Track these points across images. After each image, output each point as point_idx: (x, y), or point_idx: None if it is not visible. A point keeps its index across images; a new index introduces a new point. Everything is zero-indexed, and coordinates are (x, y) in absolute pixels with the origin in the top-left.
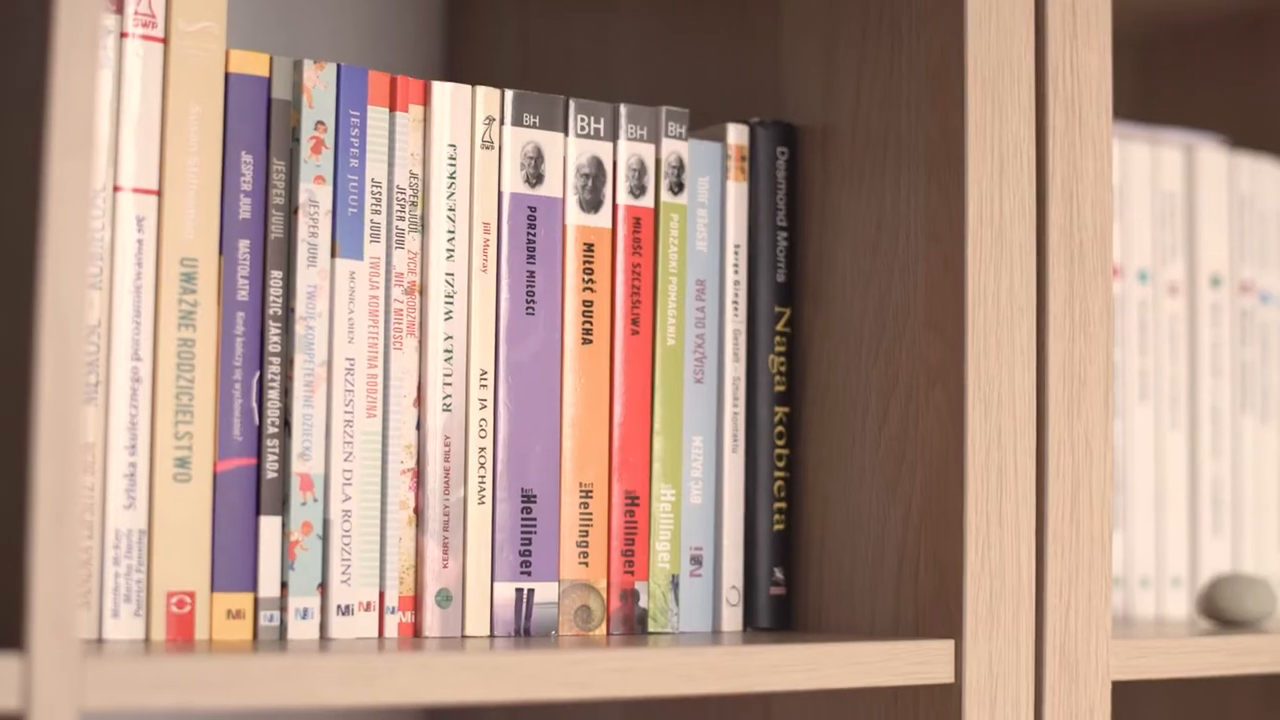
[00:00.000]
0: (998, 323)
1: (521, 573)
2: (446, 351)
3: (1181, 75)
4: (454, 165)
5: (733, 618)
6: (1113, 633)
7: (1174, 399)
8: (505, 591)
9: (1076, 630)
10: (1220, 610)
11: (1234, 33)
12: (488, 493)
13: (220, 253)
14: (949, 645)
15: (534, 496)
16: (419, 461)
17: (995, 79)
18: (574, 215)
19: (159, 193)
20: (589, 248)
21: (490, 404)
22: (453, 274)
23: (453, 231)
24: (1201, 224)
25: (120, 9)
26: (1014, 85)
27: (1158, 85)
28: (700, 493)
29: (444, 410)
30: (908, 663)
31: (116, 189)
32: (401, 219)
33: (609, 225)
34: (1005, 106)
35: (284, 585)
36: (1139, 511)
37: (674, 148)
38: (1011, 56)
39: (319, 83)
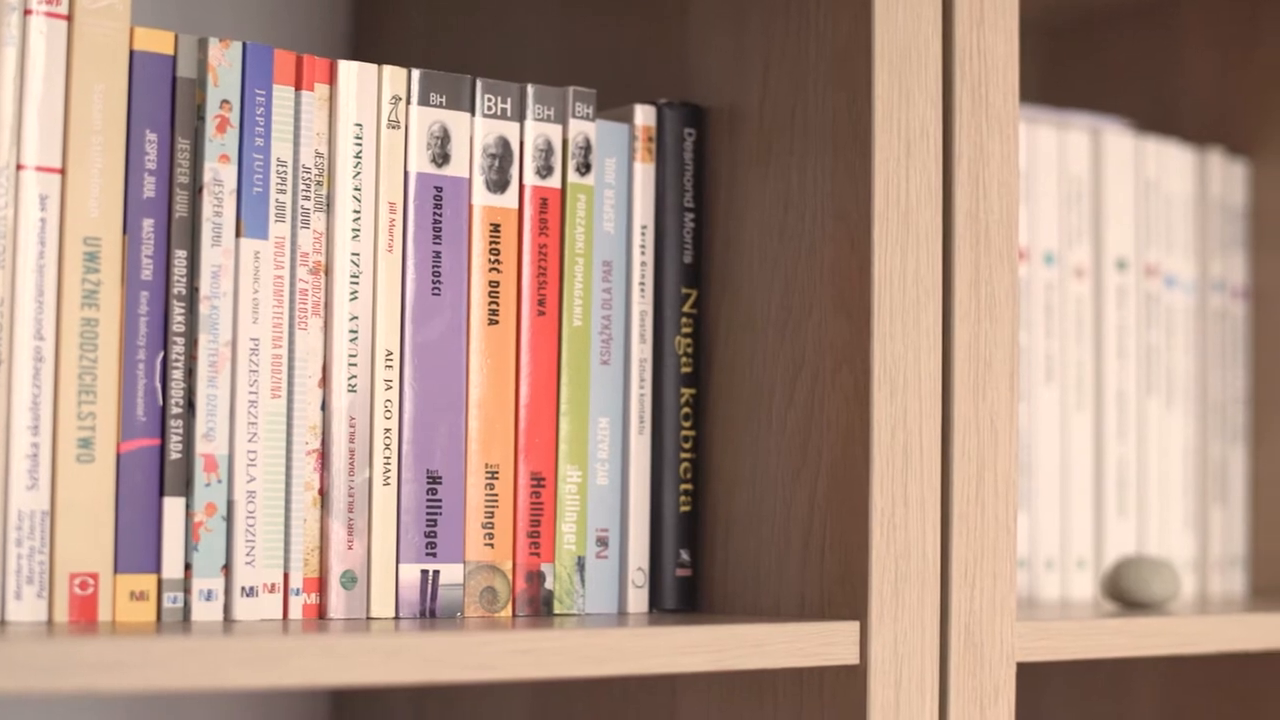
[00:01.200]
0: (904, 305)
1: (427, 554)
2: (352, 332)
3: (1089, 59)
4: (360, 145)
5: (638, 599)
6: (1018, 614)
7: (1080, 381)
8: (410, 573)
9: (981, 612)
10: (1125, 592)
11: (1141, 17)
12: (393, 474)
13: (124, 232)
14: (854, 627)
15: (439, 478)
16: (324, 442)
17: (902, 62)
18: (480, 196)
19: (62, 171)
20: (495, 228)
21: (396, 385)
22: (358, 254)
23: (358, 211)
24: (1108, 208)
25: None
26: (921, 68)
27: (1065, 69)
28: (606, 474)
29: (349, 391)
30: (813, 644)
31: (19, 167)
32: (307, 198)
33: (515, 206)
34: (912, 90)
35: (188, 567)
36: (1044, 493)
37: (581, 128)
38: (918, 40)
39: (224, 61)
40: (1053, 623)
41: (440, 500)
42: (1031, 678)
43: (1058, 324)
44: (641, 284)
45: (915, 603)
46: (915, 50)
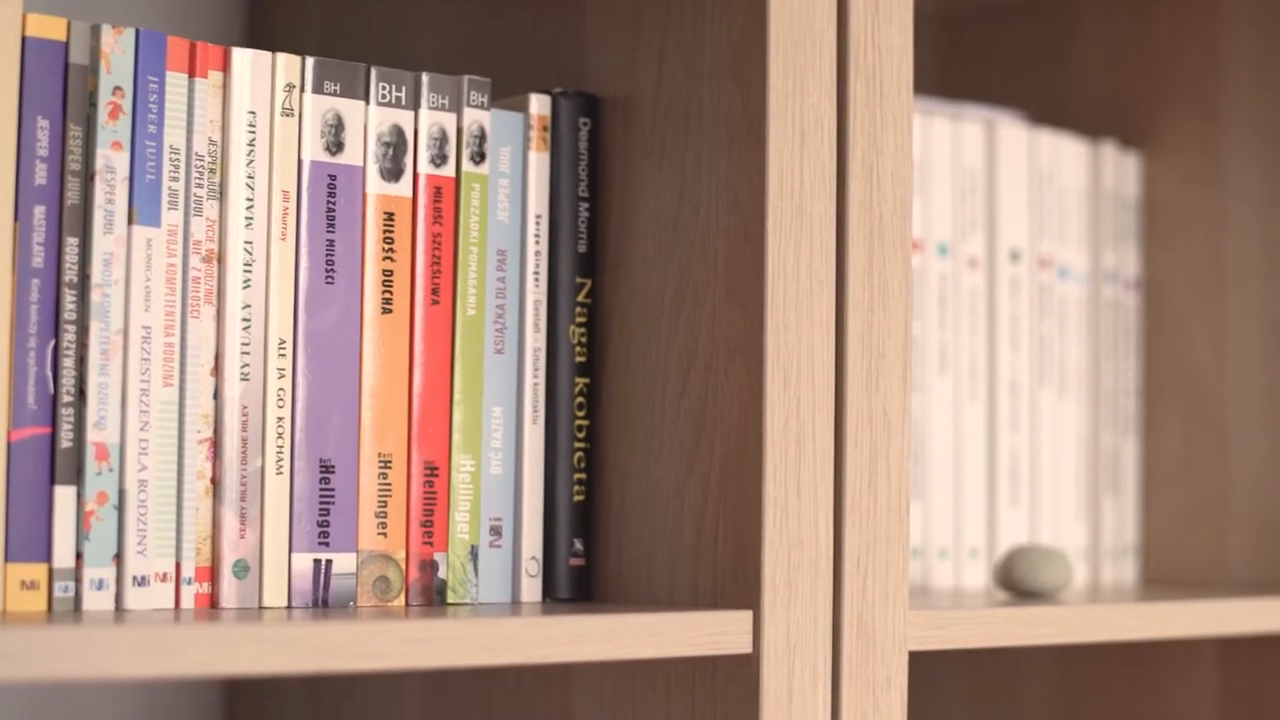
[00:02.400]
0: (797, 295)
1: (319, 543)
2: (245, 320)
3: (984, 52)
4: (254, 132)
5: (532, 589)
6: (910, 603)
7: (973, 372)
8: (303, 562)
9: (874, 601)
10: (1017, 581)
11: (1036, 10)
12: (285, 463)
13: (15, 219)
14: (747, 616)
15: (332, 467)
16: (216, 431)
17: (797, 52)
18: (374, 184)
19: None
20: (389, 217)
21: (289, 373)
22: (251, 242)
23: (252, 199)
24: (1002, 199)
25: None
26: (816, 59)
27: (960, 61)
28: (500, 463)
29: (242, 379)
30: (706, 633)
31: None
32: (200, 186)
33: (410, 194)
34: (807, 80)
35: (79, 556)
36: (938, 483)
37: (476, 117)
38: (813, 30)
39: (117, 48)
40: (945, 612)
41: (333, 489)
42: (925, 666)
43: (951, 315)
44: (536, 273)
45: (808, 592)
46: (810, 42)
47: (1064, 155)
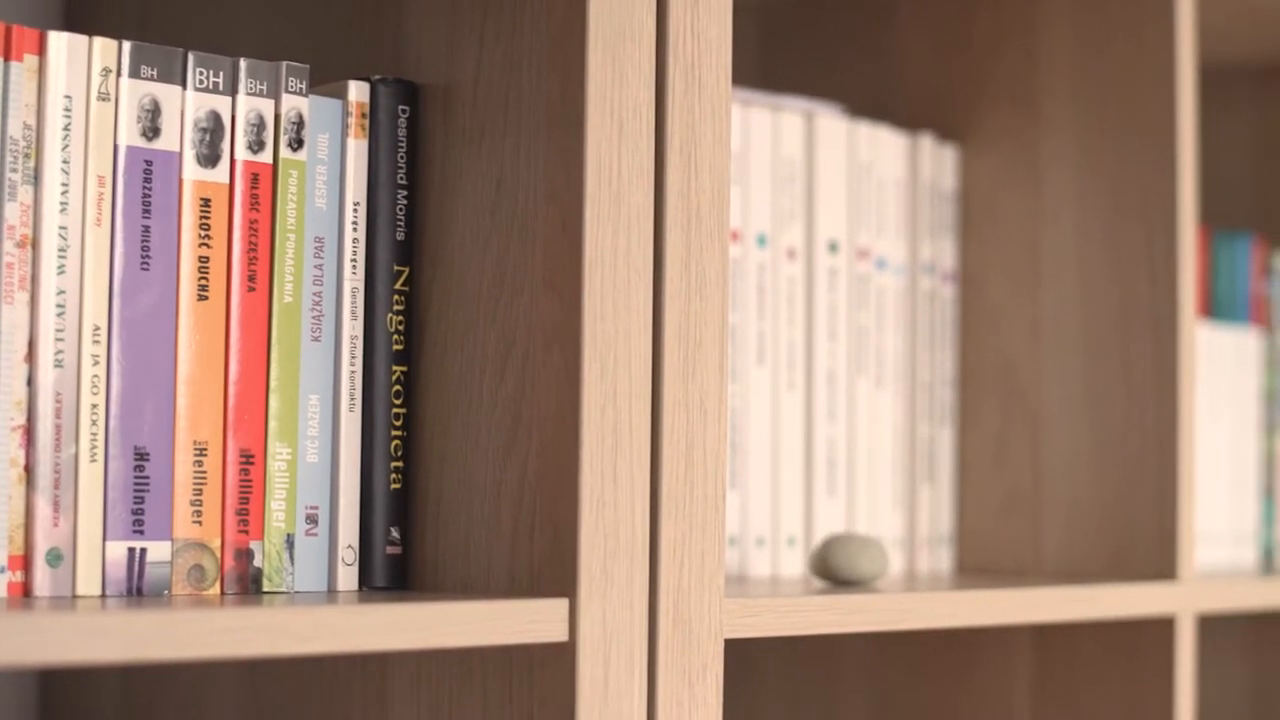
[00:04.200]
0: (614, 284)
1: (134, 531)
2: (59, 306)
3: (805, 44)
4: (69, 117)
5: (348, 577)
6: (727, 592)
7: (791, 362)
8: (117, 551)
9: (690, 589)
10: (834, 570)
11: (857, 3)
12: (100, 450)
13: None
14: (563, 604)
15: (147, 454)
16: (29, 418)
17: (616, 42)
18: (191, 170)
19: None
20: (206, 203)
21: (103, 360)
22: (66, 228)
23: (67, 184)
24: (820, 190)
25: None
26: (635, 49)
27: (780, 53)
28: (316, 451)
29: (56, 366)
30: (522, 622)
31: None
32: (14, 171)
33: (227, 181)
34: (625, 70)
35: None
36: (756, 472)
37: (294, 103)
38: (633, 20)
39: None
40: (760, 599)
41: (148, 477)
42: (742, 654)
43: (770, 305)
44: (353, 261)
45: (624, 580)
46: (629, 31)
47: (883, 147)
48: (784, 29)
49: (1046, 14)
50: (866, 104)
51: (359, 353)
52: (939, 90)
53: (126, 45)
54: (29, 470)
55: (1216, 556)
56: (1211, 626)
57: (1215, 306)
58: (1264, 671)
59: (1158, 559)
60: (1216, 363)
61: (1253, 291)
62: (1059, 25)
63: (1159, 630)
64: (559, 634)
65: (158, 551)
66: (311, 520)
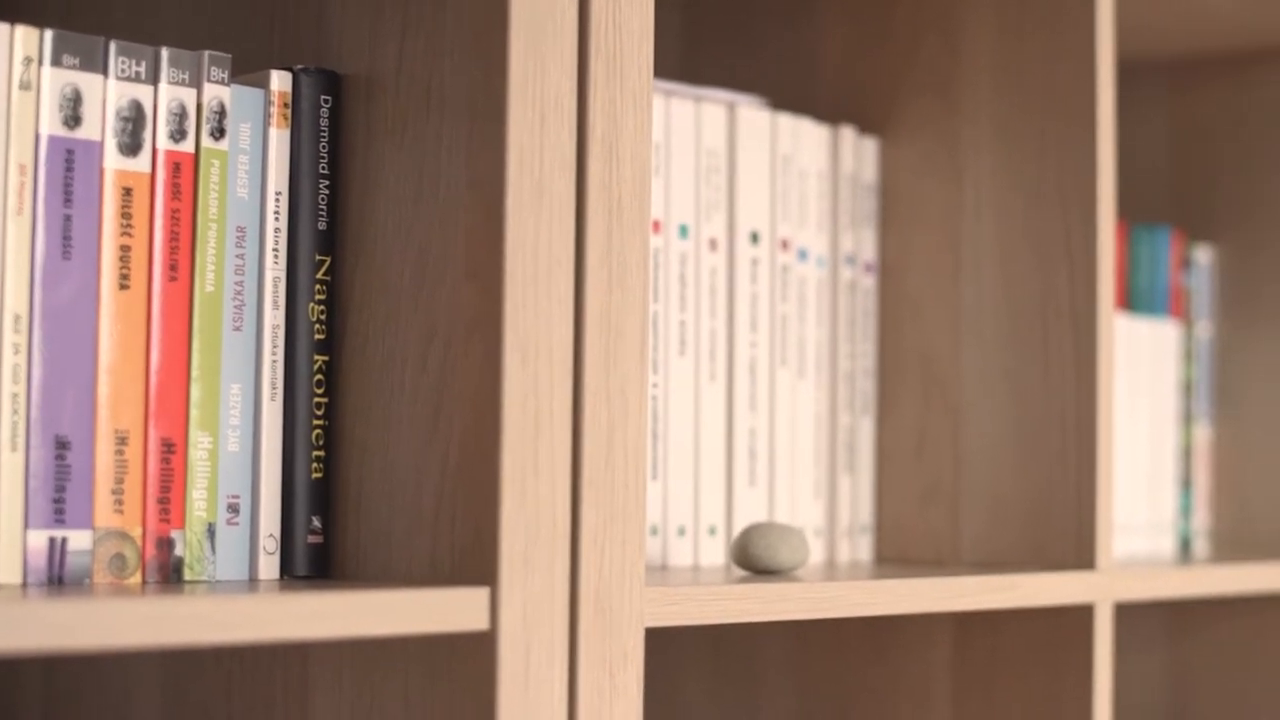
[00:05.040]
0: (536, 274)
1: (55, 520)
2: None
3: (726, 35)
4: None
5: (270, 566)
6: (648, 581)
7: (713, 352)
8: (38, 539)
9: (611, 578)
10: (754, 559)
11: None
12: (20, 439)
13: None
14: (484, 593)
15: (68, 443)
16: None
17: (538, 33)
18: (113, 159)
19: None
20: (127, 192)
21: (24, 349)
22: None
23: None
24: (742, 182)
25: None
26: (557, 40)
27: (703, 46)
28: (238, 440)
29: None
30: (443, 610)
31: None
32: None
33: (148, 170)
34: (547, 61)
35: None
36: (677, 462)
37: (216, 93)
38: (555, 11)
39: None
40: (681, 588)
41: (69, 466)
42: (663, 643)
43: (691, 295)
44: (275, 250)
45: (545, 569)
46: (551, 22)
47: (804, 139)
48: (706, 21)
49: (967, 6)
50: (788, 96)
51: (280, 342)
52: (860, 82)
53: (48, 34)
54: None
55: (1136, 546)
56: (1129, 614)
57: (1134, 299)
58: (1180, 659)
59: (1076, 548)
60: (1135, 354)
61: (1171, 284)
62: (979, 17)
63: (1077, 618)
64: (480, 623)
65: (79, 540)
66: (233, 509)
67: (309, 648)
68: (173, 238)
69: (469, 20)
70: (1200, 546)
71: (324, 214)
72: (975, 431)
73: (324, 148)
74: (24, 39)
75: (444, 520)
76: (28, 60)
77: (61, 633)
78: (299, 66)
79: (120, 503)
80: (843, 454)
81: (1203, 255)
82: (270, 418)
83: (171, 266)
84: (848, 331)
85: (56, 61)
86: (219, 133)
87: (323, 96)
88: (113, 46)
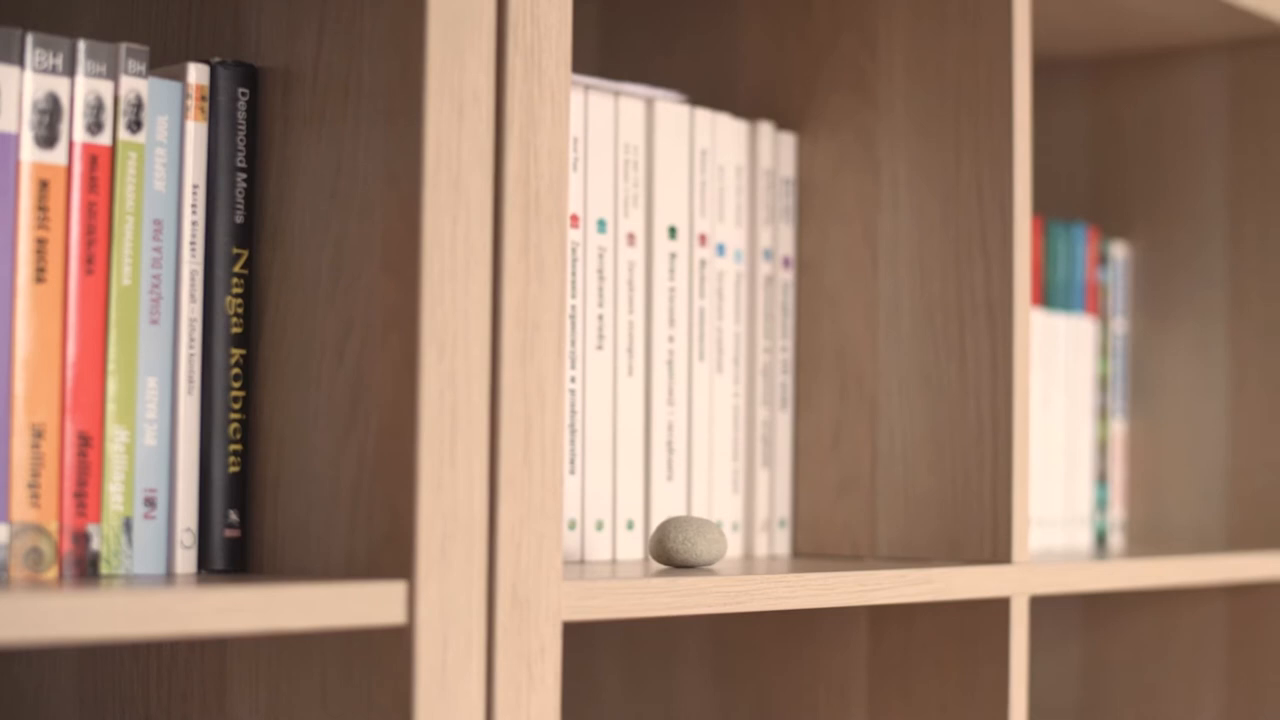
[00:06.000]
0: (453, 268)
1: None
2: None
3: (644, 31)
4: None
5: (187, 560)
6: (566, 575)
7: (631, 346)
8: None
9: (528, 572)
10: (672, 553)
11: None
12: None
13: None
14: (401, 587)
15: None
16: None
17: (456, 27)
18: (29, 152)
19: None
20: (44, 185)
21: None
22: None
23: None
24: (660, 176)
25: None
26: (475, 34)
27: (621, 40)
28: (155, 434)
29: None
30: (360, 604)
31: None
32: None
33: (65, 163)
34: (465, 55)
35: None
36: (595, 456)
37: (133, 85)
38: (473, 5)
39: None
40: (598, 582)
41: None
42: (581, 638)
43: (609, 290)
44: (192, 243)
45: (462, 563)
46: (469, 16)
47: (722, 134)
48: (625, 16)
49: (884, 3)
50: (707, 92)
51: (197, 335)
52: (778, 78)
53: None
54: None
55: (1052, 539)
56: (1045, 607)
57: (1051, 295)
58: (1096, 651)
59: (992, 542)
60: (1052, 350)
61: (1088, 280)
62: (897, 14)
63: (993, 612)
64: (397, 617)
65: None
66: (149, 503)
67: (227, 642)
68: (89, 231)
69: (387, 14)
70: (1116, 540)
71: (241, 207)
72: (892, 426)
73: (241, 141)
74: None
75: (361, 514)
76: None
77: None
78: (216, 59)
79: (36, 496)
80: (760, 448)
81: (1119, 251)
82: (187, 411)
83: (88, 260)
84: (765, 326)
85: None
86: (136, 125)
87: (240, 89)
88: (29, 38)
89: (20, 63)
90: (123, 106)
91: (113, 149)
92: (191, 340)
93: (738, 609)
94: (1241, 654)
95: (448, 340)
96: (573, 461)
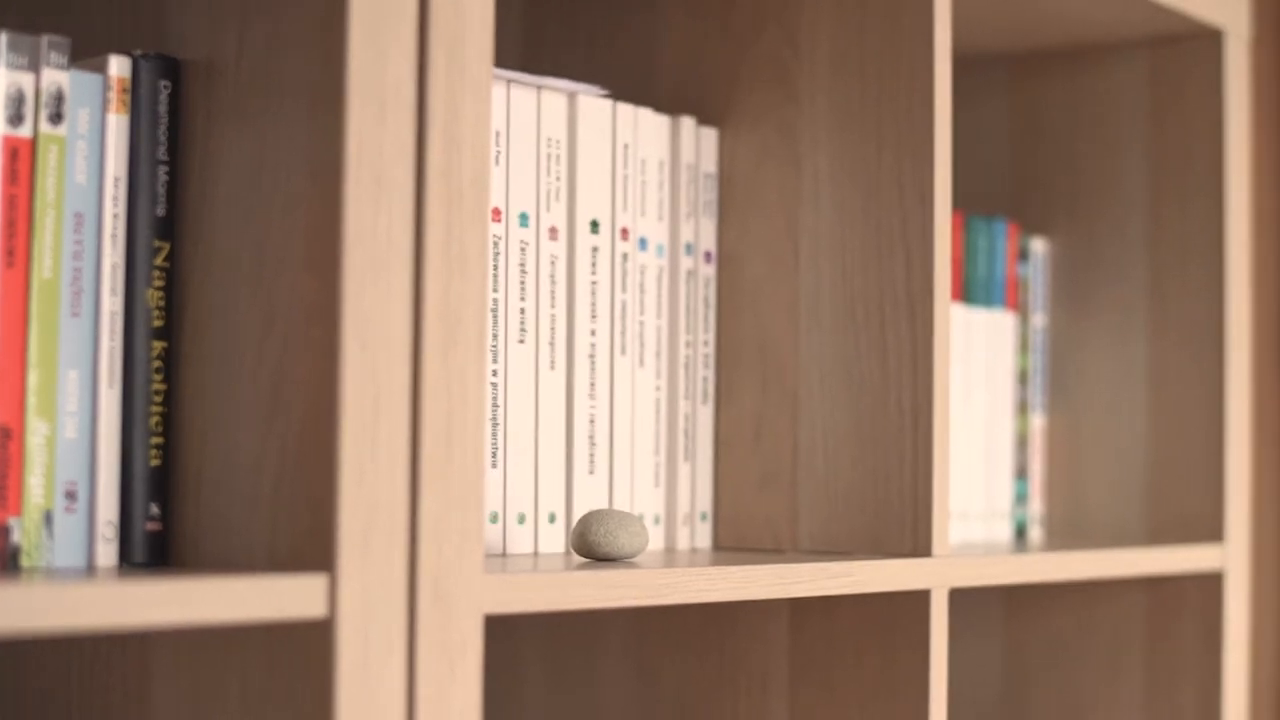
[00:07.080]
0: (375, 262)
1: None
2: None
3: (567, 25)
4: None
5: (108, 554)
6: (487, 568)
7: (552, 340)
8: None
9: (450, 565)
10: (593, 546)
11: None
12: None
13: None
14: (322, 580)
15: None
16: None
17: (378, 21)
18: None
19: None
20: None
21: None
22: None
23: None
24: (582, 170)
25: None
26: (397, 28)
27: (543, 35)
28: (75, 427)
29: None
30: (281, 597)
31: None
32: None
33: None
34: (388, 49)
35: None
36: (516, 449)
37: (55, 77)
38: (394, 0)
39: None
40: (520, 575)
41: None
42: (503, 631)
43: (531, 283)
44: (113, 236)
45: (384, 556)
46: (391, 10)
47: (644, 128)
48: (547, 11)
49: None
50: (629, 86)
51: (119, 328)
52: (700, 72)
53: None
54: None
55: (972, 532)
56: (966, 600)
57: (971, 290)
58: (1016, 644)
59: (913, 536)
60: (972, 344)
61: (1008, 275)
62: (818, 9)
63: (913, 604)
64: (318, 610)
65: None
66: (70, 496)
67: (149, 636)
68: (10, 223)
69: (309, 7)
70: (1035, 533)
71: (163, 201)
72: (813, 420)
73: (163, 134)
74: None
75: (282, 507)
76: None
77: None
78: (138, 52)
79: None
80: (682, 442)
81: (1039, 247)
82: (108, 404)
83: (9, 252)
84: (687, 320)
85: None
86: (57, 118)
87: (162, 82)
88: None
89: None
90: (44, 99)
91: (33, 141)
92: (113, 333)
93: (659, 602)
94: (1159, 646)
95: (369, 334)
96: (495, 455)
